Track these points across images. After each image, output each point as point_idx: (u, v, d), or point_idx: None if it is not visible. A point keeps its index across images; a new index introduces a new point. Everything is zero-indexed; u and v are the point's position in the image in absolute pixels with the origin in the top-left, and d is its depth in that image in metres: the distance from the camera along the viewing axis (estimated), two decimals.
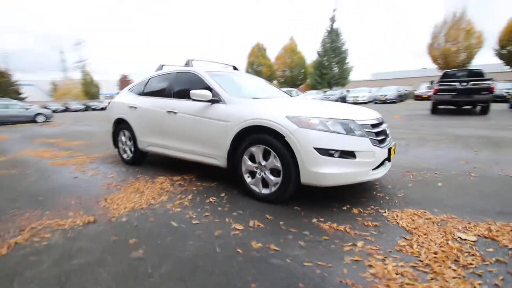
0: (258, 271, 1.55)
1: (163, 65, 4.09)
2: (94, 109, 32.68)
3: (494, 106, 10.73)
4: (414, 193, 2.67)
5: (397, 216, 2.16)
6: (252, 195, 2.62)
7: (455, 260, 1.58)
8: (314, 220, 2.14)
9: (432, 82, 12.24)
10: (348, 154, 2.21)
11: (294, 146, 2.24)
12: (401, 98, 21.55)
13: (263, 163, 2.49)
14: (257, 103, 2.73)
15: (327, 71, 27.58)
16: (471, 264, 1.54)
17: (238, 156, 2.66)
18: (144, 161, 4.18)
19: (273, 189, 2.45)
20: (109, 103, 4.62)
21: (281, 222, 2.12)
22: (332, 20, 28.29)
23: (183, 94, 3.44)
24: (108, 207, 2.53)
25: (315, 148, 2.19)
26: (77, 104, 34.18)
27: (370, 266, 1.56)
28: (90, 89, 43.57)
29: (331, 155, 2.19)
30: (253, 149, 2.53)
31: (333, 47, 27.93)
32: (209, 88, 3.03)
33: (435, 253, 1.65)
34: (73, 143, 6.70)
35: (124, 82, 48.85)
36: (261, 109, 2.56)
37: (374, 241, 1.81)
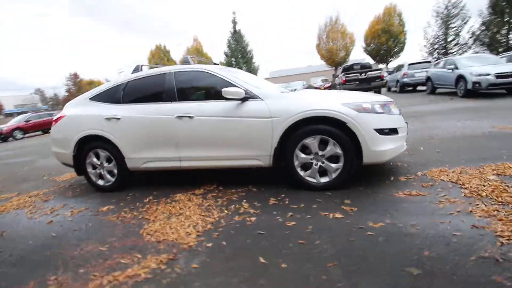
0: (409, 244, 1.66)
1: (142, 65, 3.45)
2: None
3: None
4: (416, 158, 3.29)
5: (433, 175, 2.66)
6: (307, 187, 2.63)
7: (505, 190, 2.13)
8: (390, 194, 2.38)
9: (334, 76, 14.71)
10: (393, 131, 2.55)
11: (356, 130, 2.41)
12: None
13: (320, 152, 2.55)
14: (302, 96, 2.74)
15: None
16: None
17: (288, 151, 2.61)
18: (127, 185, 3.43)
19: (334, 175, 2.55)
20: (56, 119, 3.52)
21: (366, 203, 2.26)
22: (234, 22, 29.47)
23: (193, 96, 3.06)
24: (165, 239, 2.04)
25: (375, 129, 2.42)
26: None
27: (472, 212, 1.91)
28: None
29: (386, 134, 2.47)
30: (308, 141, 2.54)
31: (239, 48, 29.17)
32: (231, 86, 2.81)
33: (492, 191, 2.16)
34: None
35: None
36: (313, 101, 2.59)
37: (449, 194, 2.20)
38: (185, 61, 3.26)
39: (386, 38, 24.43)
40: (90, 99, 3.43)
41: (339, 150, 2.49)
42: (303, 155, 2.59)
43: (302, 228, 1.96)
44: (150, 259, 1.80)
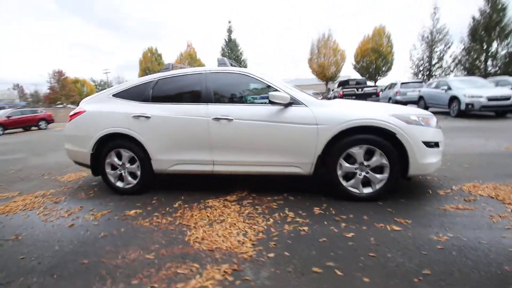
0: (484, 258, 1.63)
1: (172, 64, 3.32)
2: None
3: None
4: (444, 172, 3.34)
5: (469, 189, 2.70)
6: (348, 197, 2.58)
7: None
8: (436, 207, 2.37)
9: (328, 89, 15.09)
10: (436, 145, 2.57)
11: (405, 141, 2.40)
12: None
13: (366, 163, 2.51)
14: (347, 105, 2.72)
15: None
16: None
17: (331, 160, 2.56)
18: (148, 188, 3.22)
19: (377, 186, 2.52)
20: (73, 115, 3.29)
21: (417, 216, 2.24)
22: (229, 31, 29.71)
23: (231, 98, 2.97)
24: (218, 247, 1.89)
25: (423, 142, 2.43)
26: None
27: None
28: None
29: (431, 146, 2.49)
30: (354, 150, 2.51)
31: (233, 57, 29.32)
32: (274, 90, 2.75)
33: None
34: None
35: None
36: (361, 110, 2.58)
37: (496, 210, 2.23)
38: (221, 63, 3.18)
39: (375, 57, 25.51)
40: (113, 95, 3.24)
41: (385, 161, 2.47)
42: (347, 164, 2.55)
43: (365, 240, 1.90)
44: (211, 270, 1.65)
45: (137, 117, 2.98)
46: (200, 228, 2.21)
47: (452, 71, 25.00)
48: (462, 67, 24.58)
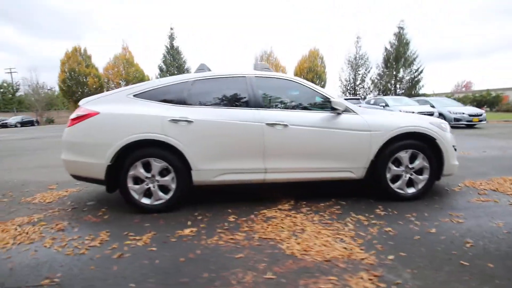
0: None
1: (204, 65, 3.03)
2: None
3: None
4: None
5: (472, 185, 3.26)
6: (395, 198, 2.80)
7: None
8: (466, 200, 2.78)
9: None
10: (455, 149, 3.05)
11: (442, 146, 2.78)
12: None
13: (410, 165, 2.79)
14: (390, 114, 2.96)
15: None
16: None
17: (381, 164, 2.75)
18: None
19: (420, 186, 2.82)
20: (78, 118, 2.65)
21: (462, 209, 2.59)
22: (171, 38, 28.53)
23: (281, 104, 2.90)
24: (333, 257, 1.80)
25: (453, 146, 2.85)
26: None
27: None
28: None
29: (455, 150, 2.94)
30: (401, 154, 2.76)
31: (175, 65, 28.17)
32: (324, 97, 2.83)
33: None
34: None
35: None
36: (406, 118, 2.86)
37: (506, 199, 2.75)
38: (264, 68, 3.09)
39: (312, 76, 28.27)
40: (135, 96, 2.76)
41: (426, 163, 2.79)
42: (395, 168, 2.78)
43: (449, 233, 2.09)
44: (354, 280, 1.56)
45: (176, 121, 2.60)
46: (289, 239, 2.06)
47: (371, 91, 29.68)
48: (378, 89, 29.42)
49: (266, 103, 2.81)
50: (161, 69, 28.41)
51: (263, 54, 30.10)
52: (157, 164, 2.61)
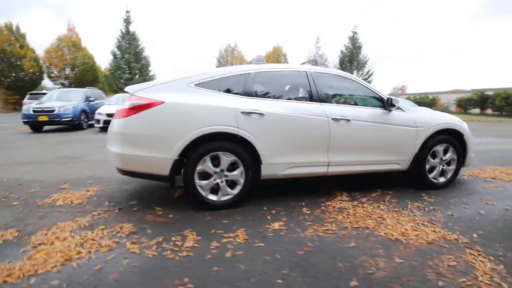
0: None
1: (262, 56, 2.95)
2: None
3: None
4: None
5: (474, 174, 3.86)
6: (430, 187, 3.16)
7: None
8: (481, 187, 3.30)
9: None
10: None
11: (467, 140, 3.23)
12: None
13: (444, 158, 3.18)
14: (428, 111, 3.29)
15: (131, 76, 25.24)
16: None
17: (422, 156, 3.08)
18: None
19: (449, 175, 3.24)
20: (138, 107, 2.36)
21: (485, 194, 3.07)
22: (127, 21, 26.09)
23: (339, 99, 3.01)
24: (434, 239, 2.00)
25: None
26: None
27: None
28: None
29: None
30: (438, 148, 3.13)
31: (132, 51, 25.94)
32: (374, 94, 3.03)
33: None
34: None
35: None
36: (442, 116, 3.23)
37: (509, 185, 3.36)
38: (319, 63, 3.15)
39: None
40: (196, 85, 2.56)
41: (455, 156, 3.22)
42: (432, 160, 3.15)
43: (505, 216, 2.49)
44: (465, 255, 1.78)
45: (248, 113, 2.51)
46: (379, 227, 2.21)
47: None
48: None
49: (327, 98, 2.89)
50: (114, 55, 25.78)
51: (227, 48, 29.69)
52: (226, 158, 2.49)
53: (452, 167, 3.25)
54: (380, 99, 3.03)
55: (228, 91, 2.62)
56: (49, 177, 3.63)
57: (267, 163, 2.60)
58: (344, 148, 2.84)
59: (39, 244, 1.92)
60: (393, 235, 2.07)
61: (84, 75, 24.71)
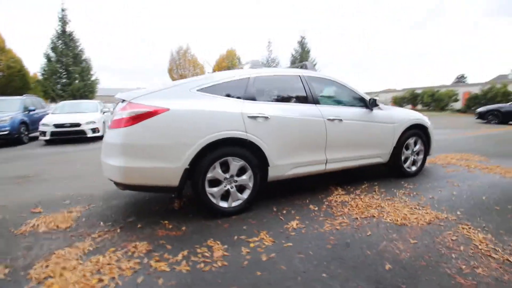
0: None
1: (258, 61, 2.99)
2: None
3: None
4: None
5: (436, 161, 4.50)
6: (405, 175, 3.60)
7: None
8: (444, 172, 3.87)
9: None
10: None
11: (431, 133, 3.75)
12: None
13: (414, 149, 3.65)
14: (399, 109, 3.70)
15: (70, 81, 22.58)
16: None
17: (399, 149, 3.49)
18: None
19: (418, 164, 3.72)
20: (139, 116, 2.20)
21: (450, 177, 3.61)
22: (63, 21, 23.34)
23: (329, 101, 3.21)
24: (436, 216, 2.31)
25: None
26: None
27: (495, 171, 3.76)
28: None
29: None
30: (410, 141, 3.57)
31: (70, 54, 23.30)
32: (358, 95, 3.33)
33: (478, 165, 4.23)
34: None
35: None
36: (411, 112, 3.68)
37: (463, 169, 4.01)
38: (310, 67, 3.29)
39: None
40: (199, 90, 2.50)
41: (422, 147, 3.71)
42: (406, 151, 3.58)
43: (481, 193, 2.97)
44: (460, 229, 2.11)
45: (254, 117, 2.54)
46: (382, 215, 2.45)
47: None
48: None
49: (321, 100, 3.07)
50: (48, 57, 22.73)
51: (179, 50, 28.70)
52: (236, 163, 2.48)
53: (421, 156, 3.75)
54: (362, 99, 3.34)
55: (231, 95, 2.61)
56: (11, 201, 3.10)
57: (274, 165, 2.66)
58: (338, 145, 3.06)
59: (45, 278, 1.67)
60: (397, 221, 2.33)
61: (10, 80, 21.27)
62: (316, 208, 2.65)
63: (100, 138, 8.77)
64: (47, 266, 1.79)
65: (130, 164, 2.20)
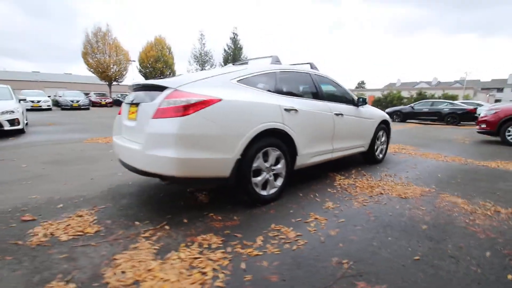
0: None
1: (277, 56, 3.11)
2: None
3: None
4: None
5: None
6: (377, 162, 4.39)
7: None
8: (399, 158, 4.86)
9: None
10: None
11: (390, 126, 4.65)
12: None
13: (382, 140, 4.47)
14: (373, 107, 4.41)
15: None
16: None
17: (374, 140, 4.23)
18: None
19: (384, 152, 4.58)
20: (193, 105, 2.10)
21: (404, 163, 4.58)
22: None
23: (328, 97, 3.60)
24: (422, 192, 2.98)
25: None
26: None
27: (444, 158, 4.94)
28: None
29: None
30: (380, 133, 4.37)
31: None
32: (346, 93, 3.87)
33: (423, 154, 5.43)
34: None
35: None
36: (378, 110, 4.45)
37: (413, 156, 5.12)
38: (313, 67, 3.59)
39: (161, 66, 26.96)
40: (238, 81, 2.51)
41: (385, 138, 4.59)
42: (377, 142, 4.36)
43: (432, 172, 3.88)
44: (441, 196, 2.83)
45: (288, 110, 2.71)
46: (388, 192, 3.01)
47: None
48: None
49: (323, 96, 3.44)
50: None
51: (98, 32, 24.86)
52: (274, 153, 2.61)
53: (385, 146, 4.63)
54: (352, 97, 3.90)
55: (263, 88, 2.70)
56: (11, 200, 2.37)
57: (301, 154, 2.90)
58: (340, 137, 3.52)
59: (133, 282, 1.48)
60: (401, 195, 2.92)
61: None
62: (334, 191, 3.03)
63: (20, 131, 7.08)
64: (123, 272, 1.57)
65: (184, 155, 2.06)
